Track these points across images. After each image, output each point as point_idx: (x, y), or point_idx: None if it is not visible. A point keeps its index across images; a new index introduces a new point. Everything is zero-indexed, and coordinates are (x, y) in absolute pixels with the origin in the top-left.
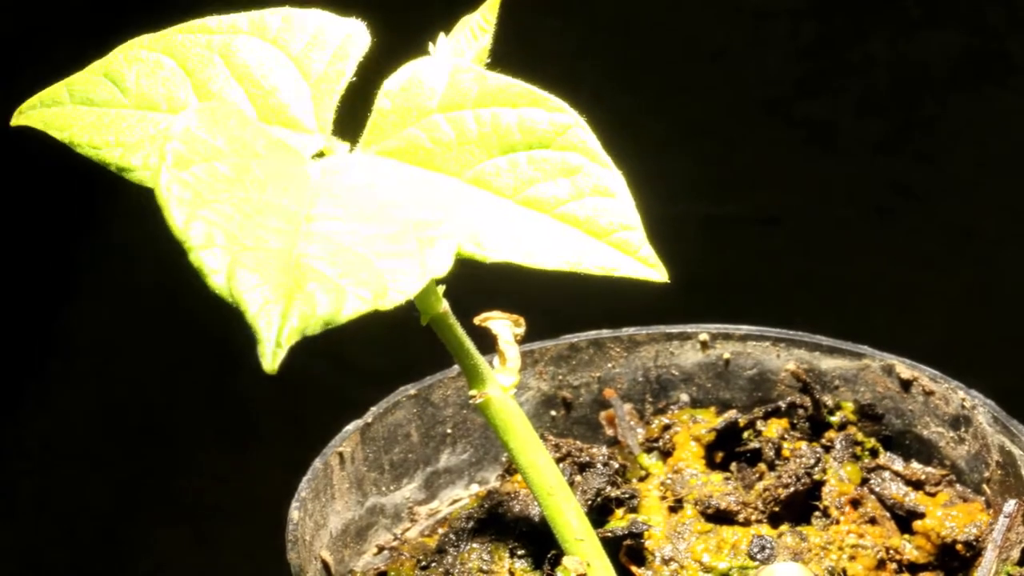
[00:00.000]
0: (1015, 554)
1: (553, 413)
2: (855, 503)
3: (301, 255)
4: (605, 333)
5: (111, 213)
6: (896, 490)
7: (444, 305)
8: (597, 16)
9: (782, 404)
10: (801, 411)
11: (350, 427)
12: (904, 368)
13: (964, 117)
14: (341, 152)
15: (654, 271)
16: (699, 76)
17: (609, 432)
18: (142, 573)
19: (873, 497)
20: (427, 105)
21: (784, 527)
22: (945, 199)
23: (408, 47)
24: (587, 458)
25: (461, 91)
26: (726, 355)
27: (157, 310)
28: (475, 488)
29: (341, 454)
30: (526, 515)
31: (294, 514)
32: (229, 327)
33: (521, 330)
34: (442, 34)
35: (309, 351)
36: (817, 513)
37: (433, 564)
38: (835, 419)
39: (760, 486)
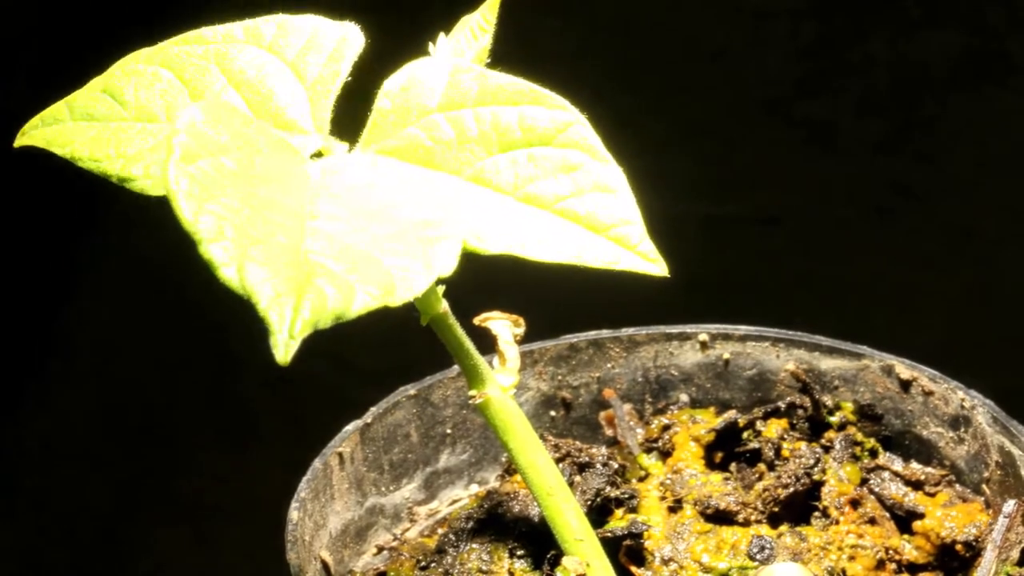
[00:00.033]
0: (1014, 554)
1: (553, 413)
2: (855, 503)
3: (308, 251)
4: (605, 333)
5: (111, 214)
6: (896, 490)
7: (444, 305)
8: (597, 16)
9: (782, 404)
10: (800, 411)
11: (350, 427)
12: (904, 368)
13: (964, 117)
14: (340, 152)
15: (654, 265)
16: (699, 76)
17: (609, 432)
18: (142, 573)
19: (873, 497)
20: (427, 104)
21: (784, 527)
22: (945, 199)
23: (408, 47)
24: (587, 458)
25: (461, 90)
26: (726, 355)
27: (157, 310)
28: (475, 488)
29: (341, 454)
30: (526, 515)
31: (294, 514)
32: (229, 327)
33: (521, 330)
34: (442, 34)
35: (309, 351)
36: (817, 513)
37: (433, 564)
38: (835, 419)
39: (760, 486)
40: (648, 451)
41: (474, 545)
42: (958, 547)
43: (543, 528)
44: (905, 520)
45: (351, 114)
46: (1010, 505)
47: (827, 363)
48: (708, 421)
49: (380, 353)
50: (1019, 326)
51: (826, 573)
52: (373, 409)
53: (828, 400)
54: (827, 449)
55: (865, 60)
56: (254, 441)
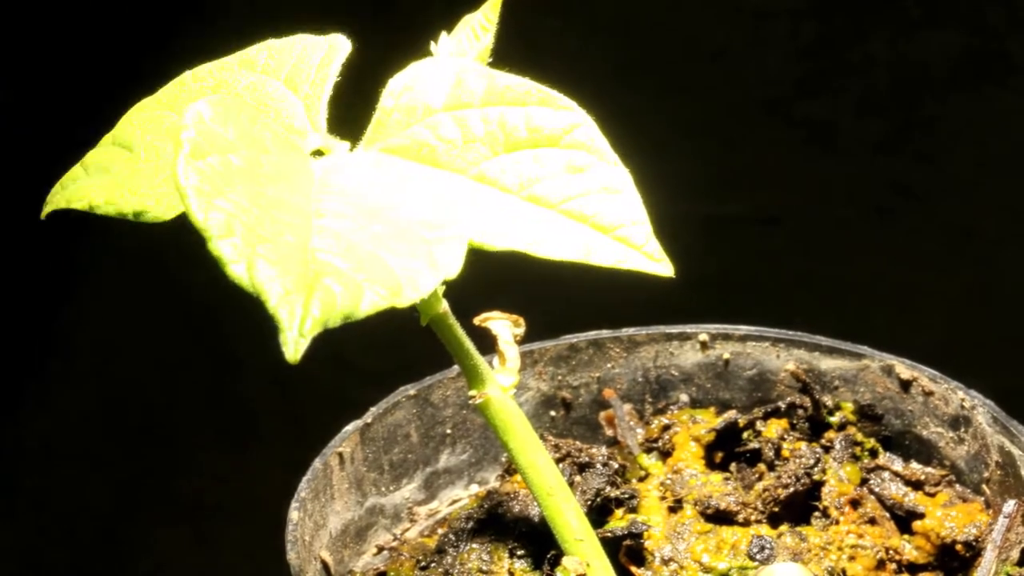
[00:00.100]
0: (1015, 554)
1: (553, 413)
2: (855, 503)
3: (315, 249)
4: (605, 333)
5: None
6: (896, 490)
7: (444, 305)
8: (597, 16)
9: (782, 404)
10: (801, 411)
11: (350, 427)
12: (904, 368)
13: (964, 117)
14: (341, 151)
15: (661, 265)
16: (699, 76)
17: (609, 432)
18: (142, 573)
19: (873, 497)
20: (432, 103)
21: (784, 527)
22: (945, 199)
23: (408, 47)
24: (587, 458)
25: (467, 90)
26: (726, 355)
27: (157, 310)
28: (475, 488)
29: (341, 454)
30: (526, 515)
31: (294, 514)
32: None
33: (521, 330)
34: (444, 33)
35: (309, 351)
36: (817, 513)
37: (433, 564)
38: (835, 419)
39: (760, 486)
40: (648, 451)
41: (474, 545)
42: (958, 547)
43: (543, 528)
44: (905, 520)
45: (352, 115)
46: (1010, 505)
47: (827, 363)
48: (708, 421)
49: (380, 353)
50: (1019, 326)
51: (826, 573)
52: (373, 409)
53: (828, 400)
54: (827, 449)
55: (865, 60)
56: (254, 441)
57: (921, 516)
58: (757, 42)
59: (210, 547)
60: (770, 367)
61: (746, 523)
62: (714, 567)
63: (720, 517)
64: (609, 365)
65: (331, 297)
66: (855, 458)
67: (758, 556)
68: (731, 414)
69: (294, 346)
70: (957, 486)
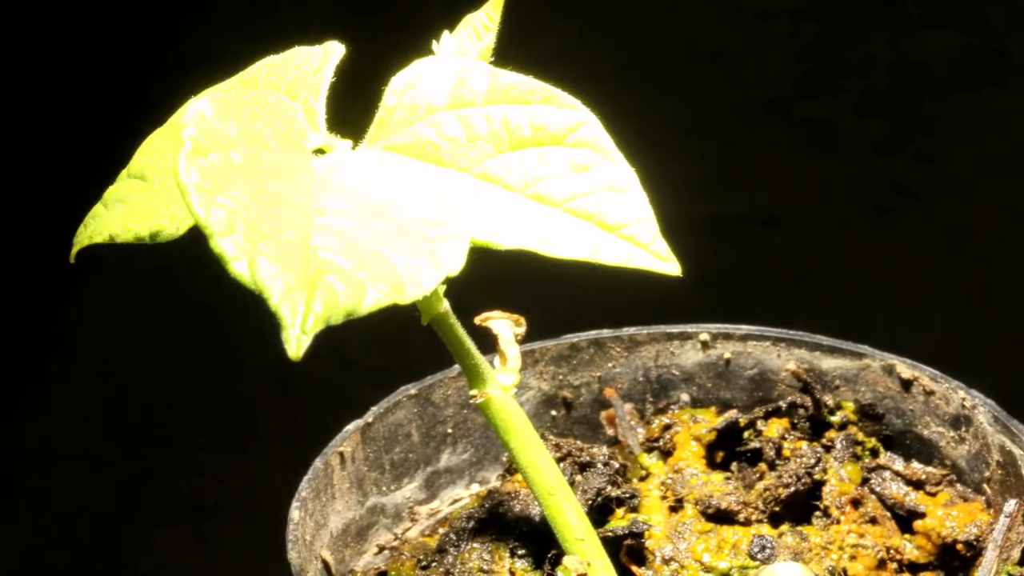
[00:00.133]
0: (1015, 554)
1: (553, 413)
2: (855, 503)
3: (317, 247)
4: (606, 333)
5: None
6: (896, 490)
7: (444, 305)
8: (597, 16)
9: (782, 404)
10: (801, 411)
11: (350, 427)
12: (904, 368)
13: (964, 117)
14: (343, 149)
15: (667, 264)
16: (699, 76)
17: (609, 432)
18: (142, 573)
19: (873, 497)
20: (435, 102)
21: (784, 527)
22: (945, 199)
23: (408, 47)
24: (587, 458)
25: (470, 88)
26: (727, 355)
27: (157, 310)
28: (476, 488)
29: (341, 454)
30: (526, 515)
31: (294, 514)
32: (229, 327)
33: (522, 330)
34: (446, 32)
35: (310, 350)
36: (817, 513)
37: (433, 564)
38: (835, 419)
39: (760, 486)
40: (649, 451)
41: (475, 544)
42: (959, 547)
43: (544, 527)
44: (906, 520)
45: (352, 115)
46: (1011, 504)
47: (828, 363)
48: (709, 421)
49: (381, 352)
50: (1019, 326)
51: (827, 573)
52: (374, 408)
53: (829, 400)
54: (828, 449)
55: (865, 60)
56: (254, 441)
57: (922, 516)
58: (757, 42)
59: (210, 547)
60: (771, 367)
61: (747, 523)
62: (715, 566)
63: (721, 517)
64: (610, 364)
65: (333, 294)
66: (856, 457)
67: (759, 556)
68: (732, 414)
69: (296, 343)
70: (958, 486)
